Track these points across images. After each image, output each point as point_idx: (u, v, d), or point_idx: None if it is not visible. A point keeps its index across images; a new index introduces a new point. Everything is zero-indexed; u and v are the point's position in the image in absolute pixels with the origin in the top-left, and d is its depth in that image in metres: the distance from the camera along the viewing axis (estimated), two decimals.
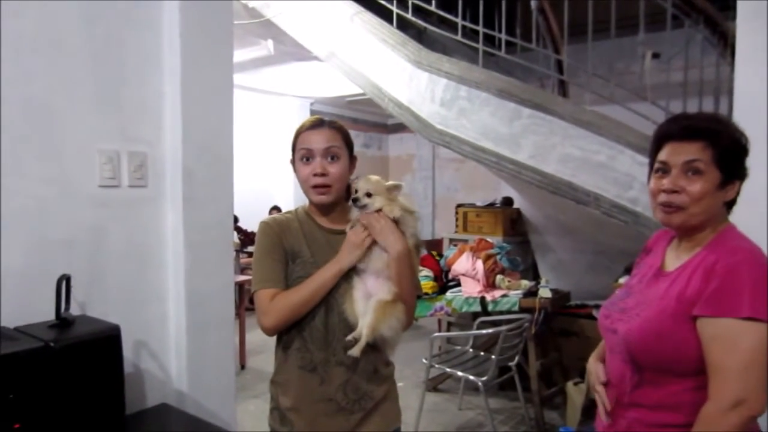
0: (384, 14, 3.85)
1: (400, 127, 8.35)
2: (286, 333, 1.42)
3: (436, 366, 3.47)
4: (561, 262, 4.74)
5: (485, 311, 3.63)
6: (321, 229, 1.45)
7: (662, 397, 1.19)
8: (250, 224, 6.08)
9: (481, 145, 3.37)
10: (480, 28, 3.55)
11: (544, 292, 3.63)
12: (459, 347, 3.74)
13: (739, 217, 1.26)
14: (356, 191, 1.40)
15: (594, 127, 3.08)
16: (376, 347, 1.41)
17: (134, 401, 1.65)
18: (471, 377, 3.28)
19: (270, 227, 1.43)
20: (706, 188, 1.17)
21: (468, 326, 4.03)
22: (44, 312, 1.47)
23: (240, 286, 4.52)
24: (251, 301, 4.95)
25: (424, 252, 4.43)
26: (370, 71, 3.81)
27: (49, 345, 1.32)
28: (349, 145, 1.45)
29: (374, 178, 1.42)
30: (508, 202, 5.17)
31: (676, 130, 1.22)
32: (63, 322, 1.45)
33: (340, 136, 1.42)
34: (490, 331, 3.39)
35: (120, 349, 1.47)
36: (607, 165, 3.05)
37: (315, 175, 1.39)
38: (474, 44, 3.57)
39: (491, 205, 5.21)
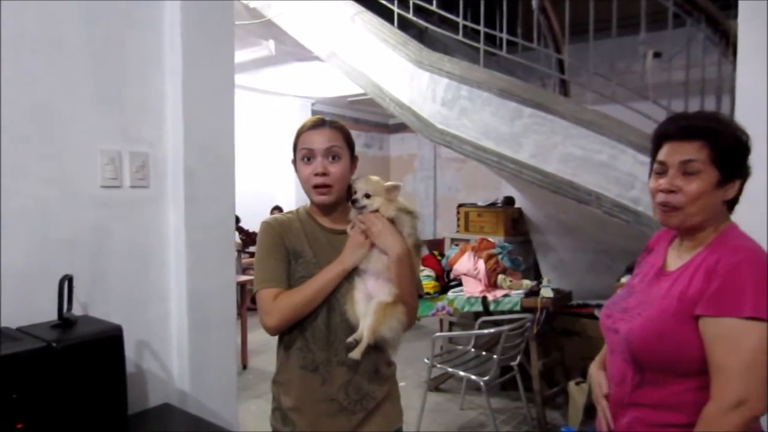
0: (385, 14, 3.85)
1: (401, 127, 8.35)
2: (288, 333, 1.42)
3: (438, 366, 3.47)
4: (562, 261, 4.74)
5: (487, 311, 3.63)
6: (322, 229, 1.45)
7: (664, 396, 1.19)
8: (252, 224, 6.08)
9: (482, 145, 3.36)
10: (481, 28, 3.55)
11: (546, 292, 3.63)
12: (461, 347, 3.74)
13: (739, 216, 1.26)
14: (355, 192, 1.40)
15: (595, 127, 3.08)
16: (377, 348, 1.41)
17: (136, 401, 1.65)
18: (473, 377, 3.27)
19: (272, 227, 1.43)
20: (702, 188, 1.17)
21: (470, 326, 4.03)
22: (47, 312, 1.47)
23: (242, 286, 4.52)
24: (253, 301, 4.93)
25: (425, 252, 4.44)
26: (371, 71, 3.81)
27: (51, 345, 1.32)
28: (350, 145, 1.45)
29: (373, 178, 1.42)
30: (509, 201, 5.17)
31: (673, 129, 1.22)
32: (65, 322, 1.45)
33: (341, 136, 1.42)
34: (491, 330, 3.39)
35: (122, 349, 1.47)
36: (608, 164, 3.04)
37: (316, 174, 1.39)
38: (475, 44, 3.57)
39: (492, 204, 5.21)
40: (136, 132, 1.74)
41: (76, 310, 1.53)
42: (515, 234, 4.92)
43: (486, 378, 3.21)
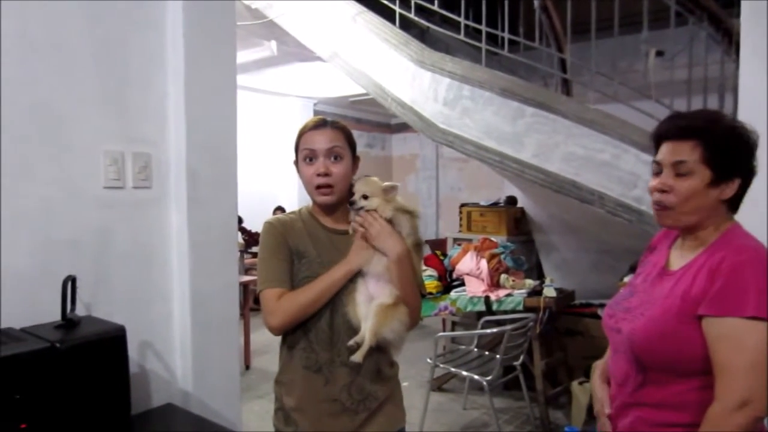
0: (386, 14, 3.85)
1: (403, 127, 8.35)
2: (292, 333, 1.42)
3: (441, 366, 3.47)
4: (565, 261, 4.73)
5: (490, 311, 3.63)
6: (324, 229, 1.45)
7: (667, 396, 1.19)
8: (255, 225, 6.09)
9: (484, 144, 3.36)
10: (483, 27, 3.54)
11: (549, 292, 3.62)
12: (463, 347, 3.74)
13: (739, 216, 1.25)
14: (353, 193, 1.40)
15: (598, 126, 3.08)
16: (380, 348, 1.41)
17: (140, 401, 1.65)
18: (475, 377, 3.27)
19: (274, 227, 1.44)
20: (694, 188, 1.17)
21: (472, 326, 4.03)
22: (50, 313, 1.47)
23: (244, 287, 4.53)
24: (256, 301, 4.93)
25: (427, 252, 4.44)
26: (372, 71, 3.82)
27: (55, 345, 1.32)
28: (351, 145, 1.45)
29: (371, 179, 1.42)
30: (511, 201, 5.16)
31: (669, 129, 1.23)
32: (69, 322, 1.45)
33: (342, 136, 1.43)
34: (494, 330, 3.39)
35: (125, 350, 1.48)
36: (611, 163, 3.04)
37: (318, 175, 1.39)
38: (477, 43, 3.57)
39: (495, 204, 5.21)
40: (139, 133, 1.74)
41: (80, 311, 1.53)
42: (518, 233, 4.92)
43: (489, 378, 3.21)
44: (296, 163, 1.46)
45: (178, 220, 1.80)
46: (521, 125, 3.24)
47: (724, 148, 1.17)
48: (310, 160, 1.41)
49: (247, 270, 6.02)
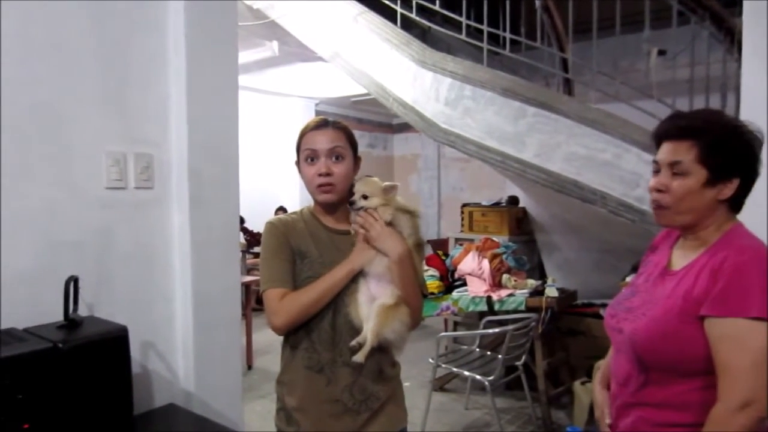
0: (388, 14, 3.86)
1: (404, 127, 8.35)
2: (294, 333, 1.42)
3: (443, 366, 3.47)
4: (567, 261, 4.73)
5: (491, 311, 3.63)
6: (326, 229, 1.45)
7: (668, 396, 1.19)
8: (256, 225, 6.10)
9: (486, 144, 3.36)
10: (484, 27, 3.54)
11: (551, 291, 3.62)
12: (465, 347, 3.74)
13: (741, 216, 1.25)
14: (353, 193, 1.40)
15: (599, 125, 3.07)
16: (382, 348, 1.41)
17: (142, 401, 1.65)
18: (477, 377, 3.27)
19: (276, 227, 1.44)
20: (689, 187, 1.17)
21: (474, 326, 4.03)
22: (53, 313, 1.47)
23: (246, 287, 4.53)
24: (258, 301, 4.92)
25: (429, 251, 4.44)
26: (374, 71, 3.82)
27: (57, 346, 1.32)
28: (353, 145, 1.45)
29: (371, 179, 1.42)
30: (513, 201, 5.16)
31: (669, 129, 1.23)
32: (71, 323, 1.46)
33: (344, 137, 1.43)
34: (496, 330, 3.38)
35: (127, 350, 1.48)
36: (613, 163, 3.04)
37: (320, 175, 1.39)
38: (478, 43, 3.57)
39: (497, 204, 5.20)
40: (141, 133, 1.75)
41: (82, 311, 1.53)
42: (520, 233, 4.92)
43: (491, 378, 3.20)
44: (298, 163, 1.46)
45: (180, 220, 1.80)
46: (523, 125, 3.24)
47: (721, 149, 1.16)
48: (312, 160, 1.41)
49: (248, 270, 6.03)
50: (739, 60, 2.41)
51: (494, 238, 4.23)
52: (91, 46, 1.63)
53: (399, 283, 1.37)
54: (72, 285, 1.47)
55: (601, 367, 1.44)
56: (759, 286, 1.08)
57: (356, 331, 1.38)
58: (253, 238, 6.38)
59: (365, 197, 1.39)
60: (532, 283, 3.81)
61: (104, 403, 1.42)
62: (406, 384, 1.57)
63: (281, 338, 1.48)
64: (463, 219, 5.31)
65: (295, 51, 4.86)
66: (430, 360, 3.44)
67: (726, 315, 1.10)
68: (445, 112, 3.49)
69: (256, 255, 6.02)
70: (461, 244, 4.30)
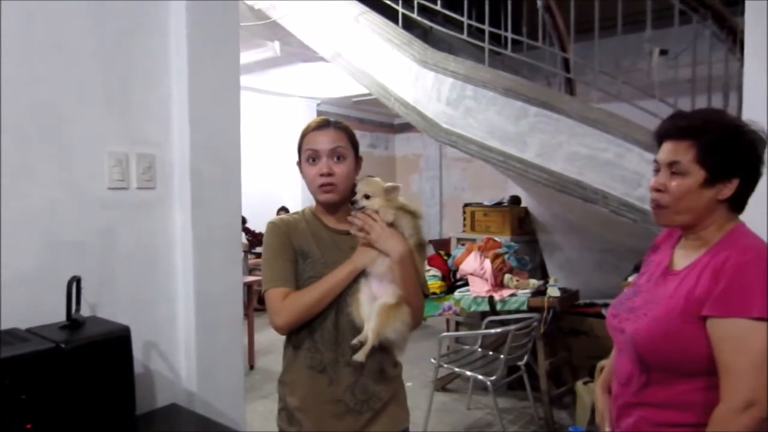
0: (389, 14, 3.86)
1: (406, 127, 8.35)
2: (297, 333, 1.42)
3: (445, 366, 3.47)
4: (569, 260, 4.72)
5: (493, 310, 3.63)
6: (327, 230, 1.45)
7: (671, 396, 1.19)
8: (258, 225, 6.10)
9: (487, 144, 3.36)
10: (486, 27, 3.54)
11: (553, 291, 3.62)
12: (467, 347, 3.74)
13: (742, 216, 1.24)
14: (355, 193, 1.40)
15: (601, 125, 3.07)
16: (383, 348, 1.41)
17: (144, 401, 1.66)
18: (480, 377, 3.27)
19: (278, 227, 1.44)
20: (686, 187, 1.17)
21: (476, 326, 4.02)
22: (55, 313, 1.48)
23: (248, 287, 4.53)
24: (260, 301, 4.93)
25: (431, 251, 4.43)
26: (375, 71, 3.82)
27: (60, 346, 1.33)
28: (354, 145, 1.45)
29: (373, 179, 1.42)
30: (515, 201, 5.16)
31: (669, 129, 1.23)
32: (74, 323, 1.46)
33: (345, 137, 1.43)
34: (498, 330, 3.38)
35: (130, 350, 1.48)
36: (614, 163, 3.03)
37: (321, 175, 1.39)
38: (480, 43, 3.57)
39: (499, 204, 5.20)
40: (143, 134, 1.75)
41: (84, 311, 1.54)
42: (522, 233, 4.91)
43: (493, 378, 3.20)
44: (299, 163, 1.46)
45: (182, 220, 1.80)
46: (524, 125, 3.24)
47: (719, 149, 1.16)
48: (313, 160, 1.41)
49: (250, 270, 6.03)
50: (741, 59, 2.41)
51: (496, 238, 4.23)
52: (93, 45, 1.64)
53: (400, 283, 1.37)
54: (74, 285, 1.47)
55: (604, 370, 1.44)
56: (761, 287, 1.08)
57: (358, 331, 1.38)
58: (255, 239, 6.38)
59: (367, 197, 1.39)
60: (534, 283, 3.81)
61: (107, 403, 1.43)
62: (408, 384, 1.57)
63: (283, 338, 1.48)
64: (465, 219, 5.31)
65: (297, 51, 4.87)
66: (432, 360, 3.44)
67: (728, 315, 1.10)
68: (446, 112, 3.49)
69: (258, 255, 6.03)
70: (463, 244, 4.30)
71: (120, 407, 1.46)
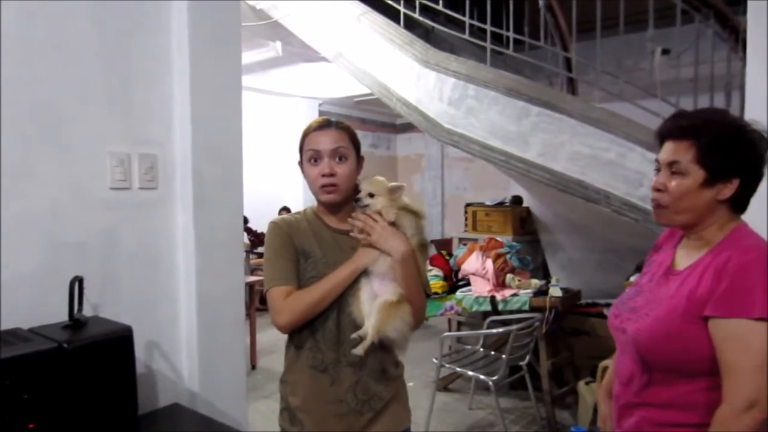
0: (391, 14, 3.86)
1: (408, 127, 8.35)
2: (299, 332, 1.42)
3: (447, 366, 3.47)
4: (571, 260, 4.72)
5: (495, 310, 3.62)
6: (329, 229, 1.45)
7: (673, 396, 1.18)
8: (260, 225, 6.10)
9: (489, 144, 3.36)
10: (488, 27, 3.54)
11: (555, 291, 3.62)
12: (469, 347, 3.73)
13: (744, 216, 1.24)
14: (359, 191, 1.40)
15: (603, 125, 3.07)
16: (385, 348, 1.41)
17: (146, 401, 1.66)
18: (481, 377, 3.27)
19: (279, 227, 1.44)
20: (686, 187, 1.17)
21: (478, 326, 4.02)
22: (58, 313, 1.48)
23: (250, 287, 4.54)
24: (261, 301, 4.94)
25: (433, 251, 4.44)
26: (377, 71, 3.82)
27: (62, 346, 1.33)
28: (356, 145, 1.45)
29: (377, 179, 1.42)
30: (517, 200, 5.15)
31: (671, 128, 1.23)
32: (76, 323, 1.46)
33: (347, 137, 1.43)
34: (500, 330, 3.38)
35: (132, 350, 1.48)
36: (616, 162, 3.03)
37: (323, 175, 1.39)
38: (482, 43, 3.56)
39: (500, 204, 5.19)
40: (145, 134, 1.75)
41: (87, 311, 1.54)
42: (523, 233, 4.91)
43: (495, 378, 3.20)
44: (301, 163, 1.46)
45: (184, 220, 1.81)
46: (526, 124, 3.24)
47: (719, 149, 1.16)
48: (315, 160, 1.41)
49: (252, 270, 6.04)
50: (743, 59, 2.40)
51: (498, 238, 4.23)
52: (94, 45, 1.64)
53: (402, 282, 1.37)
54: (77, 285, 1.48)
55: (607, 374, 1.43)
56: (763, 287, 1.08)
57: (359, 329, 1.38)
58: (256, 238, 6.38)
59: (371, 196, 1.39)
60: (536, 282, 3.81)
61: (109, 403, 1.43)
62: (409, 384, 1.57)
63: (285, 338, 1.48)
64: (466, 219, 5.31)
65: (299, 51, 4.87)
66: (434, 360, 3.44)
67: (730, 315, 1.09)
68: (448, 112, 3.49)
69: (260, 255, 6.03)
70: (465, 244, 4.30)
71: (122, 407, 1.46)
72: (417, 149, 8.91)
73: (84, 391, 1.37)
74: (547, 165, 3.19)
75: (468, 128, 3.42)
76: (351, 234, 1.40)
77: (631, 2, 3.26)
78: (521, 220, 4.95)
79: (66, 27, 1.58)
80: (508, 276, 3.81)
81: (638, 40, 3.46)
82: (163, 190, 1.79)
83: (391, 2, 3.87)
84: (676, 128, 1.21)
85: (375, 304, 1.37)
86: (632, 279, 3.31)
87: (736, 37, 3.25)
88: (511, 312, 3.60)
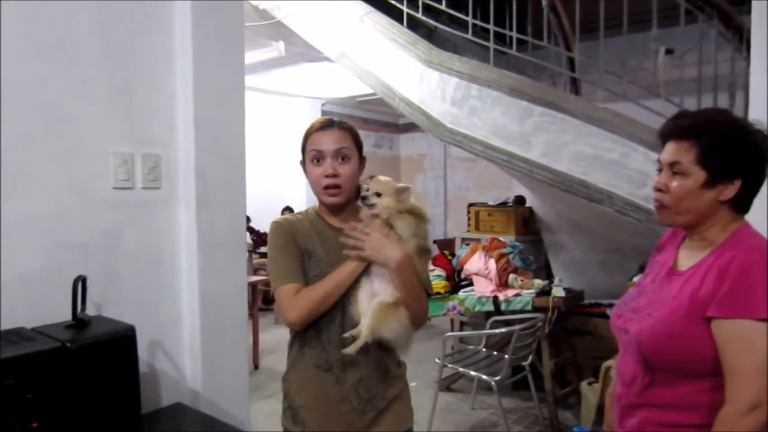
0: (394, 14, 3.86)
1: (411, 127, 8.35)
2: (303, 331, 1.42)
3: (449, 366, 3.46)
4: (574, 260, 4.71)
5: (498, 310, 3.62)
6: (331, 228, 1.45)
7: (675, 397, 1.18)
8: (263, 225, 6.12)
9: (492, 144, 3.36)
10: (491, 27, 3.54)
11: (558, 291, 3.61)
12: (472, 347, 3.73)
13: (746, 216, 1.24)
14: (366, 190, 1.40)
15: (606, 125, 3.06)
16: (387, 348, 1.41)
17: (149, 401, 1.66)
18: (484, 377, 3.27)
19: (282, 226, 1.44)
20: (687, 188, 1.17)
21: (481, 326, 4.02)
22: (61, 313, 1.48)
23: (253, 287, 4.55)
24: (264, 301, 4.95)
25: (436, 251, 4.43)
26: (380, 71, 3.82)
27: (65, 345, 1.33)
28: (358, 145, 1.45)
29: (384, 179, 1.42)
30: (520, 200, 5.15)
31: (673, 129, 1.23)
32: (79, 322, 1.46)
33: (349, 137, 1.43)
34: (503, 330, 3.38)
35: (135, 349, 1.49)
36: (619, 162, 3.02)
37: (326, 176, 1.39)
38: (485, 42, 3.56)
39: (503, 204, 5.19)
40: (148, 134, 1.75)
41: (90, 311, 1.54)
42: (526, 233, 4.90)
43: (497, 378, 3.20)
44: (303, 163, 1.46)
45: (187, 220, 1.81)
46: (529, 124, 3.23)
47: (721, 150, 1.16)
48: (318, 161, 1.41)
49: (255, 270, 6.05)
50: (747, 58, 2.39)
51: (501, 238, 4.22)
52: (97, 45, 1.64)
53: (400, 289, 1.36)
54: (80, 285, 1.48)
55: (613, 379, 1.43)
56: (766, 287, 1.07)
57: None
58: (259, 238, 6.39)
59: (378, 195, 1.39)
60: (538, 282, 3.80)
61: (112, 402, 1.43)
62: (412, 384, 1.57)
63: (288, 338, 1.48)
64: (469, 219, 5.30)
65: (302, 51, 4.88)
66: (437, 360, 3.44)
67: (733, 316, 1.09)
68: (451, 112, 3.49)
69: (263, 255, 6.05)
70: (468, 244, 4.29)
71: (125, 406, 1.47)
72: (420, 149, 8.90)
73: (87, 391, 1.37)
74: (550, 165, 3.19)
75: (471, 128, 3.42)
76: (344, 252, 1.38)
77: (635, 2, 3.25)
78: (524, 220, 4.94)
79: (69, 27, 1.59)
80: (511, 276, 3.81)
81: (642, 39, 3.45)
82: (166, 189, 1.79)
83: (394, 2, 3.87)
84: (677, 128, 1.21)
85: (371, 303, 1.36)
86: (635, 279, 3.31)
87: (740, 37, 3.24)
88: (514, 312, 3.59)
